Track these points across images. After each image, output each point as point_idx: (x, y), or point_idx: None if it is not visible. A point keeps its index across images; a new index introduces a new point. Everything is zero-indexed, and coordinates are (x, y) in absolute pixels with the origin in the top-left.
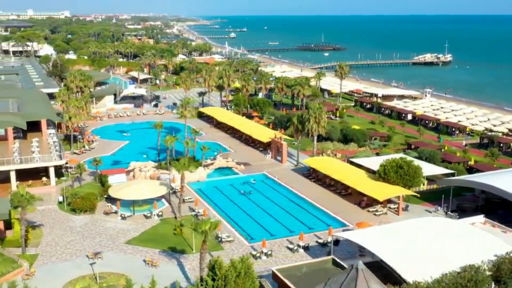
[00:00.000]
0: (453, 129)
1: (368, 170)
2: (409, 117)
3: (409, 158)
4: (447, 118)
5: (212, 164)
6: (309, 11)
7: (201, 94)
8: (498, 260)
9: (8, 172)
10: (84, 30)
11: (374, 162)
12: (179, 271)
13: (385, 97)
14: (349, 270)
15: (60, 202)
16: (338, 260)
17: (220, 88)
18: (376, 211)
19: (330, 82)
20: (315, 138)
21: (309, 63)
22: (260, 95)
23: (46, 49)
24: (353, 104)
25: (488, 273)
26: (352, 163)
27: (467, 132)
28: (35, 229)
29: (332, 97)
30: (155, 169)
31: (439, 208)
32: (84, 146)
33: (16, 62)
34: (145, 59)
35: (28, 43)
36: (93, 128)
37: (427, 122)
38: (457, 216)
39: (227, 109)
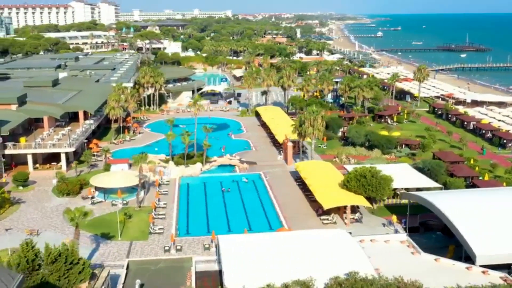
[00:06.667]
0: (505, 141)
1: None
2: (471, 125)
3: (378, 168)
4: None
5: (214, 161)
6: (486, 9)
7: (264, 93)
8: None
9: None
10: (229, 29)
11: None
12: (87, 255)
13: (478, 103)
14: None
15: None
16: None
17: (283, 87)
18: (326, 219)
19: (428, 85)
20: (313, 141)
21: (435, 65)
22: (329, 96)
23: (173, 47)
24: (427, 109)
25: None
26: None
27: None
28: (13, 205)
29: (414, 101)
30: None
31: (391, 222)
32: (125, 137)
33: (128, 58)
34: (243, 57)
35: (162, 41)
36: (157, 121)
37: (484, 131)
38: (401, 232)
39: (286, 110)
